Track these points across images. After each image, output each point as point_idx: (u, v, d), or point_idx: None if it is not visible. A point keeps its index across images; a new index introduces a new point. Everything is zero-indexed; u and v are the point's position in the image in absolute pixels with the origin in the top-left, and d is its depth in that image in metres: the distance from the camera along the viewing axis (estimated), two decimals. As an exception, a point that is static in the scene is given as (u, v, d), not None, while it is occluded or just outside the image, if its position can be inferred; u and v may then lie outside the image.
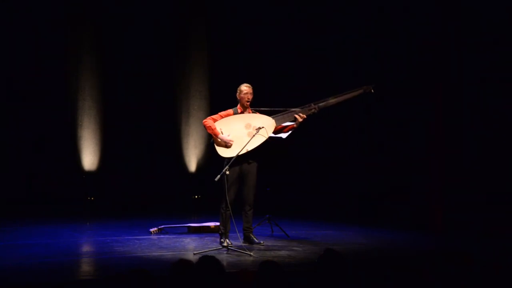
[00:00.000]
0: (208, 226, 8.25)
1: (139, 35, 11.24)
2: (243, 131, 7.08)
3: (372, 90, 7.40)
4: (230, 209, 6.89)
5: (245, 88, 7.23)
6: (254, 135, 6.87)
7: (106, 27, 11.09)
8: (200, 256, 3.82)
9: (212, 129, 7.04)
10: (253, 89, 7.26)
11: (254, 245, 7.13)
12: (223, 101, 7.69)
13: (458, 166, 8.92)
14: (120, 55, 11.13)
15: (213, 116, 7.19)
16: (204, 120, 7.19)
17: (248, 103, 7.23)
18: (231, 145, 6.99)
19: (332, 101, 7.35)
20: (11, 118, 10.61)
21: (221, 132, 7.04)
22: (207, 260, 3.70)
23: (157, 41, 11.35)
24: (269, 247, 7.12)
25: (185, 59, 11.60)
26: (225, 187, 6.74)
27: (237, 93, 7.27)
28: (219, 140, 7.03)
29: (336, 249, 4.06)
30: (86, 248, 7.42)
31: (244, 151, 6.89)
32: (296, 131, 7.52)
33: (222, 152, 7.03)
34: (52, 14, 10.79)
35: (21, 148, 10.63)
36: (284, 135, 7.64)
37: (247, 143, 6.85)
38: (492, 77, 8.68)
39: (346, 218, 9.77)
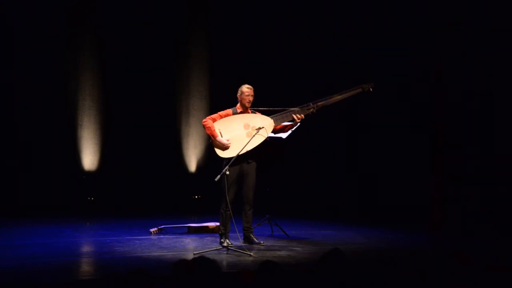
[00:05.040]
0: (207, 226, 8.25)
1: (139, 35, 11.24)
2: (242, 131, 7.08)
3: (371, 89, 7.38)
4: (230, 209, 6.89)
5: (246, 89, 7.21)
6: (254, 135, 6.87)
7: (106, 27, 11.09)
8: (195, 257, 3.82)
9: (211, 130, 7.04)
10: (254, 90, 7.25)
11: (254, 245, 7.13)
12: (223, 101, 7.68)
13: (458, 166, 8.92)
14: (120, 55, 11.12)
15: (213, 116, 7.18)
16: (203, 120, 7.18)
17: (249, 105, 7.23)
18: (229, 147, 6.99)
19: (331, 100, 7.34)
20: (11, 118, 10.61)
21: (220, 134, 7.03)
22: (202, 261, 3.71)
23: (157, 41, 11.34)
24: (269, 247, 7.12)
25: (185, 59, 11.60)
26: (225, 187, 6.74)
27: (238, 94, 7.26)
28: (217, 142, 7.03)
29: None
30: (86, 248, 7.42)
31: (243, 151, 6.88)
32: (297, 131, 7.53)
33: (220, 152, 7.04)
34: (52, 14, 10.79)
35: (21, 148, 10.62)
36: (284, 135, 7.65)
37: (247, 143, 6.84)
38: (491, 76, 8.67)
39: (346, 218, 9.77)
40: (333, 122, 10.50)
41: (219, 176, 6.57)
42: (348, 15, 10.64)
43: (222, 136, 7.03)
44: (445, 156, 9.03)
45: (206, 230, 8.22)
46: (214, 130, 7.02)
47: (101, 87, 11.09)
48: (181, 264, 3.69)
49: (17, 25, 10.60)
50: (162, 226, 8.20)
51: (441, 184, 9.04)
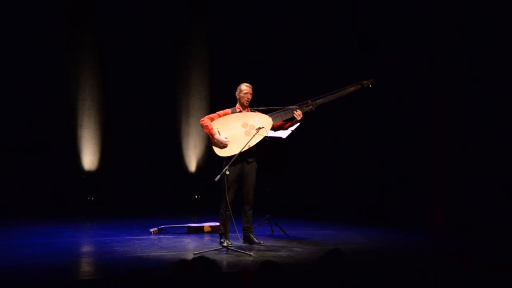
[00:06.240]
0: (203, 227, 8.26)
1: (139, 35, 11.23)
2: (240, 130, 7.08)
3: (371, 85, 7.35)
4: (230, 209, 6.89)
5: (245, 87, 7.23)
6: (254, 135, 6.87)
7: (106, 27, 11.09)
8: (195, 257, 3.82)
9: (209, 129, 7.04)
10: (253, 89, 7.26)
11: (254, 245, 7.13)
12: (223, 101, 7.69)
13: (459, 165, 8.92)
14: (120, 55, 11.12)
15: (211, 115, 7.19)
16: (201, 119, 7.19)
17: (248, 103, 7.23)
18: (227, 145, 7.00)
19: (329, 97, 7.32)
20: (11, 118, 10.61)
21: (218, 132, 7.03)
22: (202, 261, 3.71)
23: (157, 41, 11.33)
24: (269, 247, 7.12)
25: (185, 59, 11.59)
26: (225, 187, 6.74)
27: (237, 92, 7.27)
28: (215, 140, 7.04)
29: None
30: (86, 248, 7.43)
31: (244, 151, 6.88)
32: (297, 131, 7.53)
33: (218, 151, 7.05)
34: (52, 14, 10.79)
35: (21, 148, 10.62)
36: (284, 135, 7.65)
37: (247, 143, 6.84)
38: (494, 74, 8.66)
39: (346, 218, 9.77)
40: (331, 121, 10.50)
41: (219, 176, 6.58)
42: (348, 15, 10.64)
43: (220, 135, 7.03)
44: (445, 155, 9.02)
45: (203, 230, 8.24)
46: (212, 128, 7.03)
47: (101, 87, 11.08)
48: (181, 264, 3.69)
49: (17, 25, 10.60)
50: (162, 226, 8.20)
51: (441, 183, 9.03)
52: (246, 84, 7.27)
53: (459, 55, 8.92)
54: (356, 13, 10.47)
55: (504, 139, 8.52)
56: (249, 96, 7.22)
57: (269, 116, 7.18)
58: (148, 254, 6.59)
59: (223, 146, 7.02)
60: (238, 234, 7.03)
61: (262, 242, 7.26)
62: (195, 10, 11.62)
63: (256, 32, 11.50)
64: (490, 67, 8.61)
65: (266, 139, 7.42)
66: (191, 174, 11.52)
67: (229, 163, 6.76)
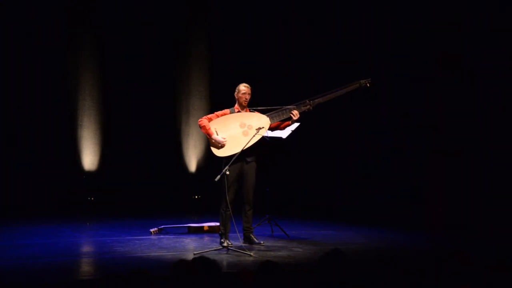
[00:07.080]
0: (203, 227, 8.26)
1: (139, 35, 11.24)
2: (238, 130, 7.08)
3: (369, 84, 7.36)
4: (230, 209, 6.89)
5: (243, 88, 7.24)
6: (254, 135, 6.87)
7: (106, 27, 11.09)
8: (195, 257, 3.82)
9: (206, 129, 7.04)
10: (252, 89, 7.27)
11: (254, 245, 7.13)
12: (223, 101, 7.69)
13: (458, 165, 8.92)
14: (120, 55, 11.12)
15: (209, 116, 7.19)
16: (199, 120, 7.20)
17: (246, 103, 7.24)
18: (225, 145, 7.00)
19: (327, 96, 7.33)
20: (11, 118, 10.61)
21: (216, 132, 7.03)
22: (202, 261, 3.71)
23: (157, 41, 11.34)
24: (269, 247, 7.12)
25: (185, 59, 11.60)
26: (225, 187, 6.74)
27: (235, 93, 7.28)
28: (213, 140, 7.04)
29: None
30: (86, 248, 7.43)
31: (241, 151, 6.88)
32: (297, 131, 7.52)
33: (216, 151, 7.05)
34: (52, 14, 10.80)
35: (21, 148, 10.63)
36: (284, 135, 7.65)
37: (247, 143, 6.84)
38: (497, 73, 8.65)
39: (346, 218, 9.77)
40: (328, 121, 10.50)
41: (219, 176, 6.58)
42: (348, 15, 10.63)
43: (218, 135, 7.03)
44: (444, 155, 9.02)
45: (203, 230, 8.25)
46: (209, 128, 7.03)
47: (101, 87, 11.09)
48: (181, 264, 3.69)
49: (17, 25, 10.60)
50: (162, 226, 8.20)
51: (441, 183, 9.04)
52: (244, 84, 7.27)
53: (459, 55, 8.92)
54: (356, 13, 10.46)
55: (505, 138, 8.53)
56: (247, 96, 7.23)
57: (267, 116, 7.18)
58: (148, 254, 6.60)
59: (220, 146, 7.02)
60: (238, 234, 7.03)
61: (262, 242, 7.26)
62: (195, 10, 11.63)
63: (256, 32, 11.50)
64: (490, 67, 8.61)
65: (265, 139, 7.41)
66: (191, 174, 11.53)
67: (229, 163, 6.76)
